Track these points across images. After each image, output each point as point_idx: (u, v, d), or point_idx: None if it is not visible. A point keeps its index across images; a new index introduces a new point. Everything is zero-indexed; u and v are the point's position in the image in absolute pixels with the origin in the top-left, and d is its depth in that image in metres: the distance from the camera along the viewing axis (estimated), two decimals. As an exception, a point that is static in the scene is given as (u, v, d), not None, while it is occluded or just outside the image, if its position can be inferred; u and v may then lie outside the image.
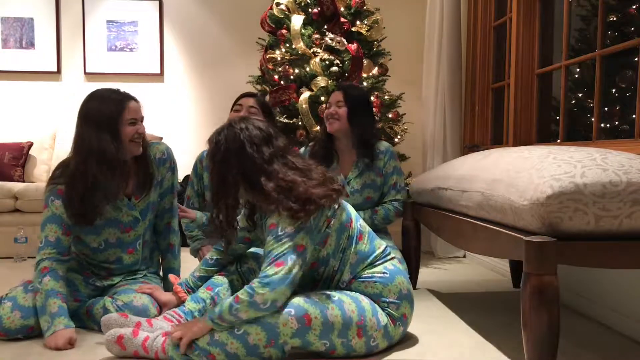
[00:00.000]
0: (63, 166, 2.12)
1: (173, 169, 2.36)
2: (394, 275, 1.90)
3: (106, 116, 2.04)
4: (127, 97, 2.11)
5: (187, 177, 4.11)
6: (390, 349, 1.89)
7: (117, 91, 2.12)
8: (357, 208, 2.72)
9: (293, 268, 1.72)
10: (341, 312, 1.77)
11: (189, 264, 2.88)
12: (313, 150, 2.77)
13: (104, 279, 2.25)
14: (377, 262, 1.92)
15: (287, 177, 1.79)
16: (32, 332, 2.01)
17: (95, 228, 2.16)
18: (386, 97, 3.48)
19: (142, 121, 2.14)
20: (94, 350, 1.89)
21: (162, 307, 2.14)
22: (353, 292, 1.87)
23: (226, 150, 1.83)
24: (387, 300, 1.87)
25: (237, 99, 2.67)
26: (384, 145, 2.76)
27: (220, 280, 2.11)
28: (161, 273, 2.46)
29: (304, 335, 1.72)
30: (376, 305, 1.86)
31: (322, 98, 3.24)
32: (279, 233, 1.75)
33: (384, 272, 1.89)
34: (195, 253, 2.69)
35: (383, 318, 1.84)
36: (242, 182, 1.83)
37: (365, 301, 1.84)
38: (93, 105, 2.07)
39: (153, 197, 2.29)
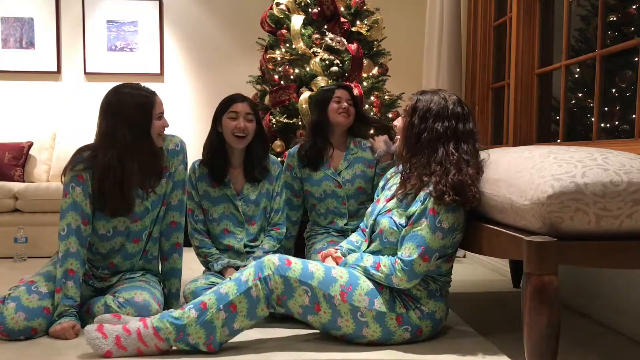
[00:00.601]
0: (85, 151, 2.13)
1: (186, 163, 2.35)
2: (442, 300, 1.97)
3: (139, 112, 2.12)
4: (153, 93, 2.19)
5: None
6: (389, 348, 1.89)
7: (142, 86, 2.20)
8: (350, 199, 2.76)
9: (431, 267, 1.89)
10: (324, 270, 1.88)
11: (191, 264, 2.88)
12: (310, 144, 2.78)
13: (103, 280, 2.25)
14: (441, 279, 1.98)
15: (460, 161, 1.86)
16: (35, 335, 2.01)
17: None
18: (386, 97, 3.47)
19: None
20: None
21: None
22: (356, 272, 1.93)
23: (433, 111, 1.92)
24: (418, 306, 1.92)
25: (229, 103, 2.51)
26: (370, 141, 2.84)
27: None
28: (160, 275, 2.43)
29: (285, 272, 1.81)
30: (379, 293, 1.88)
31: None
32: (436, 224, 1.83)
33: (440, 289, 1.97)
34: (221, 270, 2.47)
35: (381, 307, 1.87)
36: (437, 145, 1.89)
37: (366, 281, 1.89)
38: (124, 100, 2.12)
39: (165, 189, 2.28)
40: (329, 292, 1.84)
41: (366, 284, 1.89)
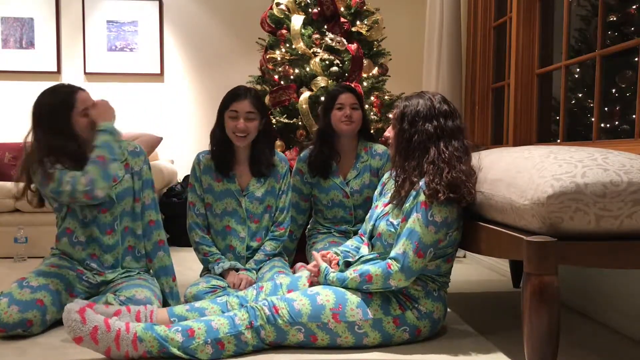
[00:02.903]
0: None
1: (148, 163, 2.36)
2: (440, 300, 1.97)
3: (57, 115, 2.12)
4: (75, 90, 2.17)
5: (187, 177, 4.09)
6: (389, 348, 1.89)
7: (62, 86, 2.19)
8: (358, 209, 2.73)
9: (427, 263, 1.87)
10: (310, 301, 1.85)
11: (189, 263, 2.88)
12: (316, 152, 2.75)
13: (97, 274, 2.25)
14: (440, 279, 1.98)
15: (452, 158, 1.86)
16: (31, 326, 2.01)
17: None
18: (386, 97, 3.47)
19: (93, 107, 2.18)
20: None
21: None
22: (341, 288, 1.91)
23: (421, 114, 1.92)
24: (416, 306, 1.92)
25: (230, 100, 2.43)
26: (382, 147, 2.78)
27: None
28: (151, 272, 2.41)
29: (275, 321, 1.81)
30: (371, 301, 1.88)
31: (322, 98, 3.24)
32: (429, 218, 1.82)
33: (438, 290, 1.97)
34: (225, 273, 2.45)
35: (376, 313, 1.86)
36: (429, 145, 1.89)
37: (354, 293, 1.88)
38: (41, 108, 2.14)
39: (130, 184, 2.30)
40: (321, 320, 1.83)
41: (354, 297, 1.88)
